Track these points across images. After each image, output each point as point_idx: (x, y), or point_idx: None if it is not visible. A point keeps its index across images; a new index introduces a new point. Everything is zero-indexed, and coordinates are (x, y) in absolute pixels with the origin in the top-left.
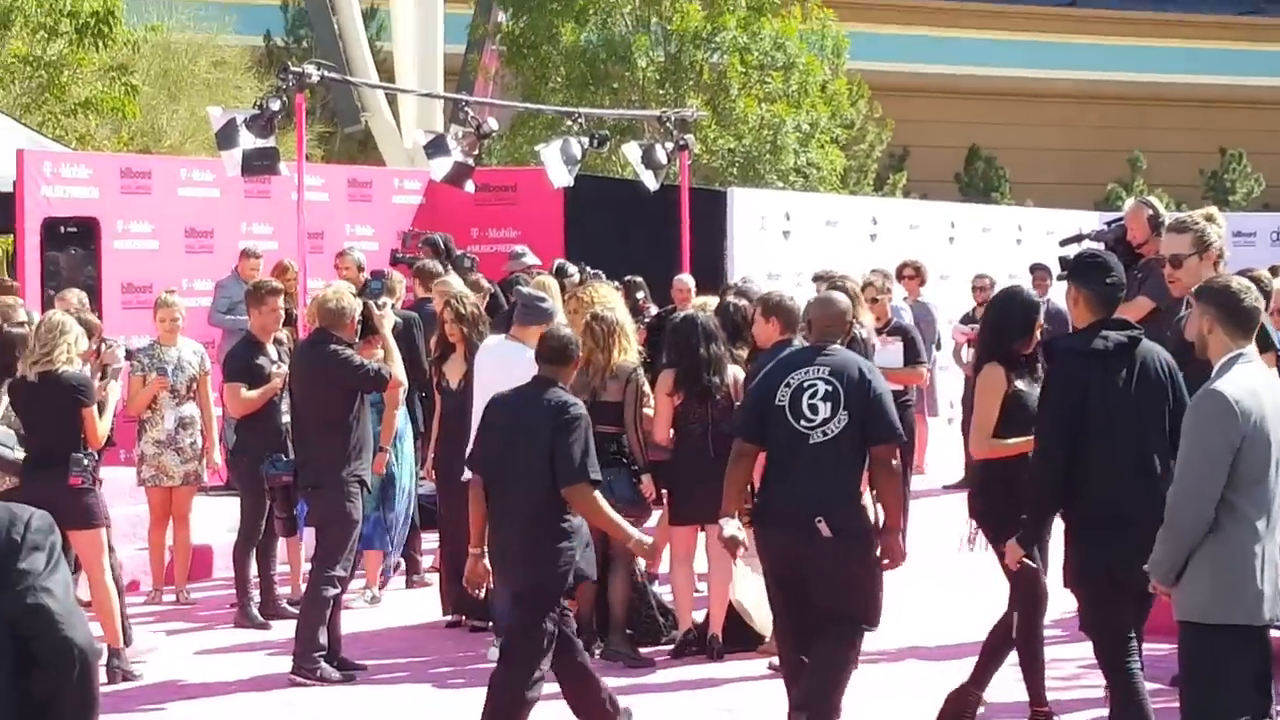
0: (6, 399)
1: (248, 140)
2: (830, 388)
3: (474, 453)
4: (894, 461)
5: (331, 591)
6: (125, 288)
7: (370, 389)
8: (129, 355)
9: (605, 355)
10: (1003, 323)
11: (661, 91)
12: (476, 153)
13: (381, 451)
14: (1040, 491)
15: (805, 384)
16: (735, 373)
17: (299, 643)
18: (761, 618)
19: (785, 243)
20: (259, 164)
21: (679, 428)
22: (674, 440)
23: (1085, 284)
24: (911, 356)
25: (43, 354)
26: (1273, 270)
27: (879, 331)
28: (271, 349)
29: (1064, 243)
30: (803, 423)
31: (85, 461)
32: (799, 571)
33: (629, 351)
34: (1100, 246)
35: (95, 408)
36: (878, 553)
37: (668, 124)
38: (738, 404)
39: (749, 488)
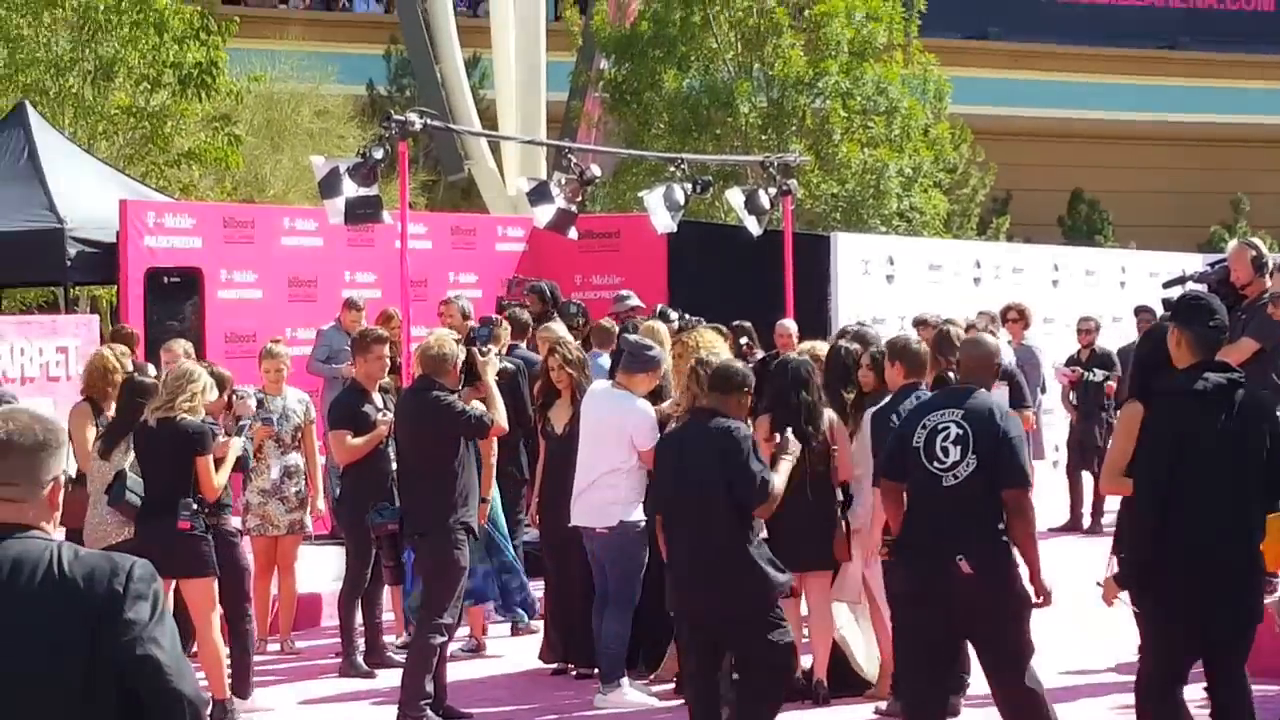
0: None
1: (351, 189)
2: (961, 431)
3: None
4: (1025, 505)
5: (439, 640)
6: (229, 337)
7: (473, 435)
8: (259, 405)
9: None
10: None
11: (764, 137)
12: (580, 199)
13: (484, 502)
14: (1138, 533)
15: (939, 426)
16: (831, 417)
17: (405, 691)
18: (868, 663)
19: (889, 287)
20: (362, 212)
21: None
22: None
23: (1188, 325)
24: (1017, 400)
25: (167, 400)
26: None
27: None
28: (377, 397)
29: (1167, 284)
30: (935, 464)
31: (195, 506)
32: (939, 607)
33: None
34: (1203, 288)
35: (212, 459)
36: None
37: (770, 169)
38: (835, 448)
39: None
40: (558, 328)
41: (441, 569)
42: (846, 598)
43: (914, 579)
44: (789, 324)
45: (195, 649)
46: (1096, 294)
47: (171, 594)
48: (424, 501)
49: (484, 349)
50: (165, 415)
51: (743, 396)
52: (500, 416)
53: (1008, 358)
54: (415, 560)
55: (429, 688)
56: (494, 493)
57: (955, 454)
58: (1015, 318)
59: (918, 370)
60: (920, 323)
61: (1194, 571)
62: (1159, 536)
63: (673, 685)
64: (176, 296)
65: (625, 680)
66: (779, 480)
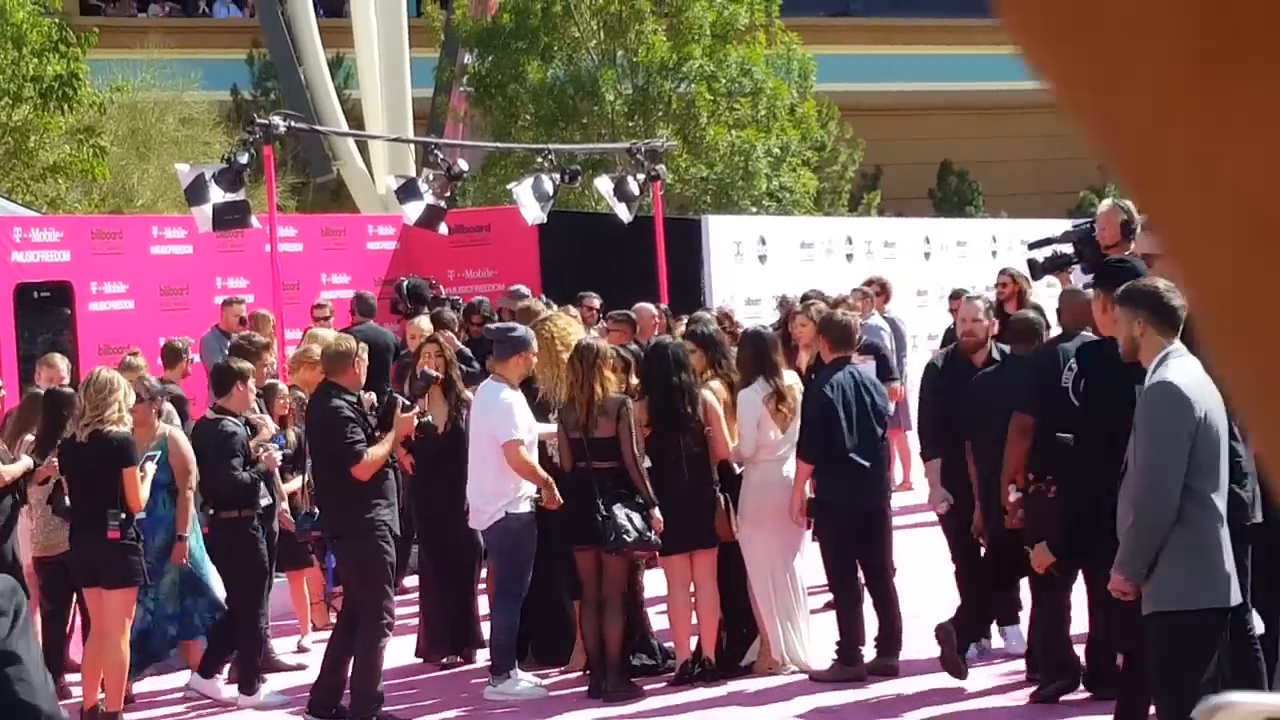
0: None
1: (218, 195)
2: None
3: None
4: None
5: (381, 640)
6: (103, 349)
7: (344, 461)
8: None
9: (589, 390)
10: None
11: (631, 124)
12: (449, 195)
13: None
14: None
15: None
16: (707, 398)
17: (355, 696)
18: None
19: (762, 267)
20: (230, 218)
21: (656, 457)
22: (652, 470)
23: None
24: (884, 373)
25: (94, 413)
26: None
27: None
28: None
29: (1032, 246)
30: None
31: (123, 515)
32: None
33: (613, 383)
34: (1069, 247)
35: (138, 470)
36: None
37: (638, 156)
38: (708, 429)
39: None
40: (426, 323)
41: (364, 571)
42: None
43: None
44: (649, 307)
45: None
46: (969, 265)
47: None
48: (337, 505)
49: (412, 403)
50: (96, 428)
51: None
52: (378, 454)
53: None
54: (337, 564)
55: (379, 689)
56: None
57: None
58: (877, 291)
59: (848, 344)
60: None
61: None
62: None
63: (584, 673)
64: (48, 310)
65: (516, 670)
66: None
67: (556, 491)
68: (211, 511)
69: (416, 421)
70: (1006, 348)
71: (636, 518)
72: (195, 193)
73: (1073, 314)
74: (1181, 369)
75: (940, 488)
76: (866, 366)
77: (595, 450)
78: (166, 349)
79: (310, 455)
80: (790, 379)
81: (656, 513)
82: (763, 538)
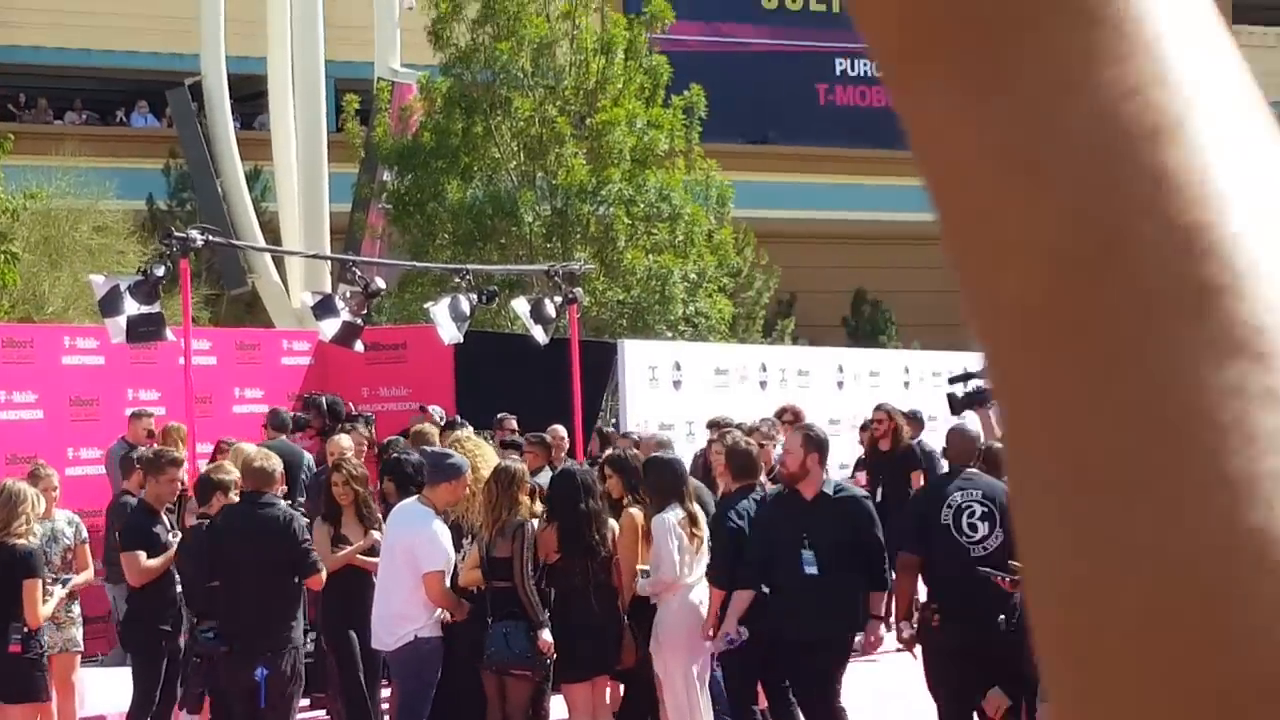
0: None
1: (132, 307)
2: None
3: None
4: None
5: None
6: (11, 458)
7: (302, 572)
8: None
9: (498, 512)
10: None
11: (549, 245)
12: (365, 312)
13: None
14: None
15: (963, 505)
16: (614, 526)
17: None
18: None
19: (676, 393)
20: (144, 331)
21: (562, 584)
22: (558, 597)
23: None
24: None
25: (1, 526)
26: None
27: (768, 477)
28: (165, 518)
29: (953, 380)
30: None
31: (25, 629)
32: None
33: (525, 506)
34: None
35: (40, 585)
36: None
37: (556, 278)
38: (614, 557)
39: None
40: (344, 441)
41: (284, 688)
42: None
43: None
44: (559, 429)
45: None
46: (881, 394)
47: None
48: (260, 619)
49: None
50: (0, 540)
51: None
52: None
53: None
54: (267, 678)
55: None
56: None
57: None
58: (790, 419)
59: (750, 472)
60: (714, 425)
61: None
62: None
63: None
64: None
65: None
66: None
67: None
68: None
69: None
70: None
71: (519, 637)
72: (109, 304)
73: (959, 452)
74: None
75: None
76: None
77: (494, 570)
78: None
79: (222, 567)
80: (695, 507)
81: (545, 635)
82: (678, 663)
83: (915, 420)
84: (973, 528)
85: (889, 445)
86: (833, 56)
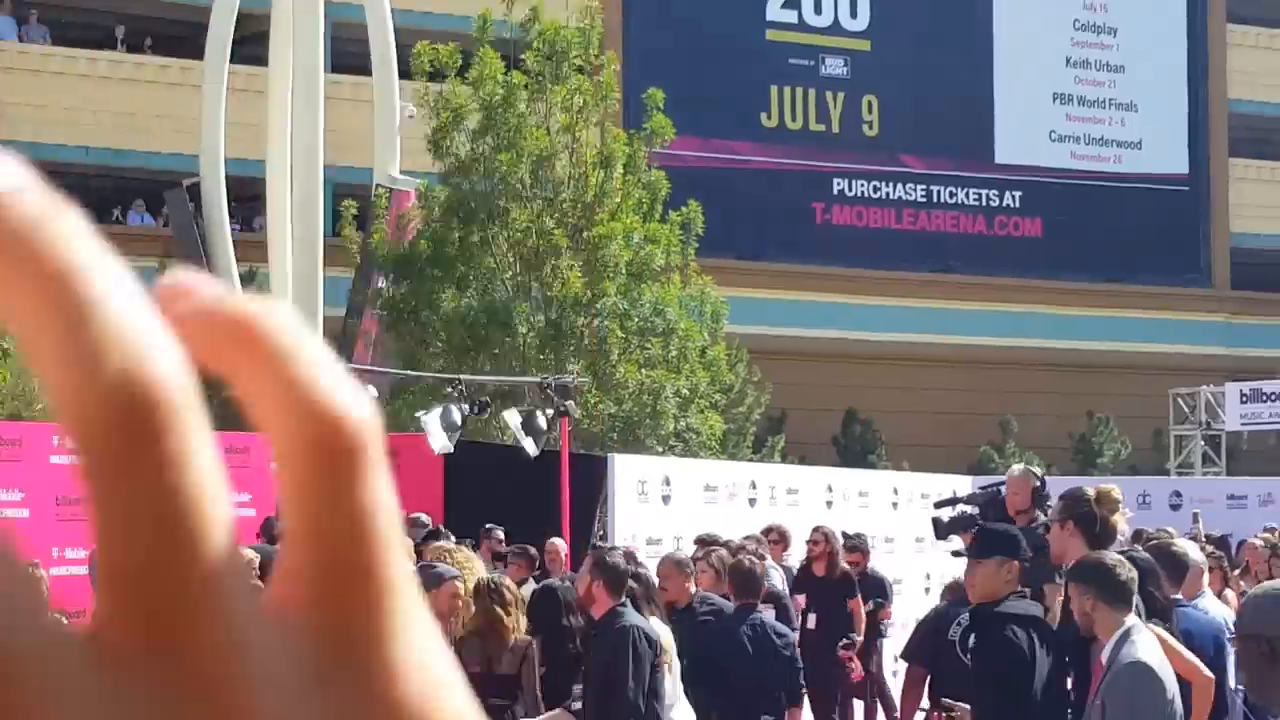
0: None
1: None
2: None
3: None
4: None
5: None
6: None
7: None
8: None
9: (490, 625)
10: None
11: (542, 357)
12: None
13: None
14: None
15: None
16: None
17: None
18: None
19: (665, 508)
20: None
21: (549, 700)
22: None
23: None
24: (783, 621)
25: None
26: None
27: None
28: None
29: (938, 504)
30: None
31: None
32: None
33: (513, 621)
34: (974, 509)
35: None
36: None
37: (548, 390)
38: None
39: None
40: None
41: None
42: None
43: None
44: (559, 543)
45: None
46: (869, 515)
47: None
48: None
49: None
50: None
51: None
52: None
53: (776, 580)
54: None
55: None
56: None
57: None
58: (776, 539)
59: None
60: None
61: None
62: None
63: None
64: None
65: None
66: None
67: None
68: None
69: None
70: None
71: None
72: None
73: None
74: (1149, 648)
75: None
76: (768, 614)
77: (495, 687)
78: None
79: None
80: (660, 627)
81: None
82: None
83: (858, 548)
84: None
85: (823, 569)
86: (831, 175)
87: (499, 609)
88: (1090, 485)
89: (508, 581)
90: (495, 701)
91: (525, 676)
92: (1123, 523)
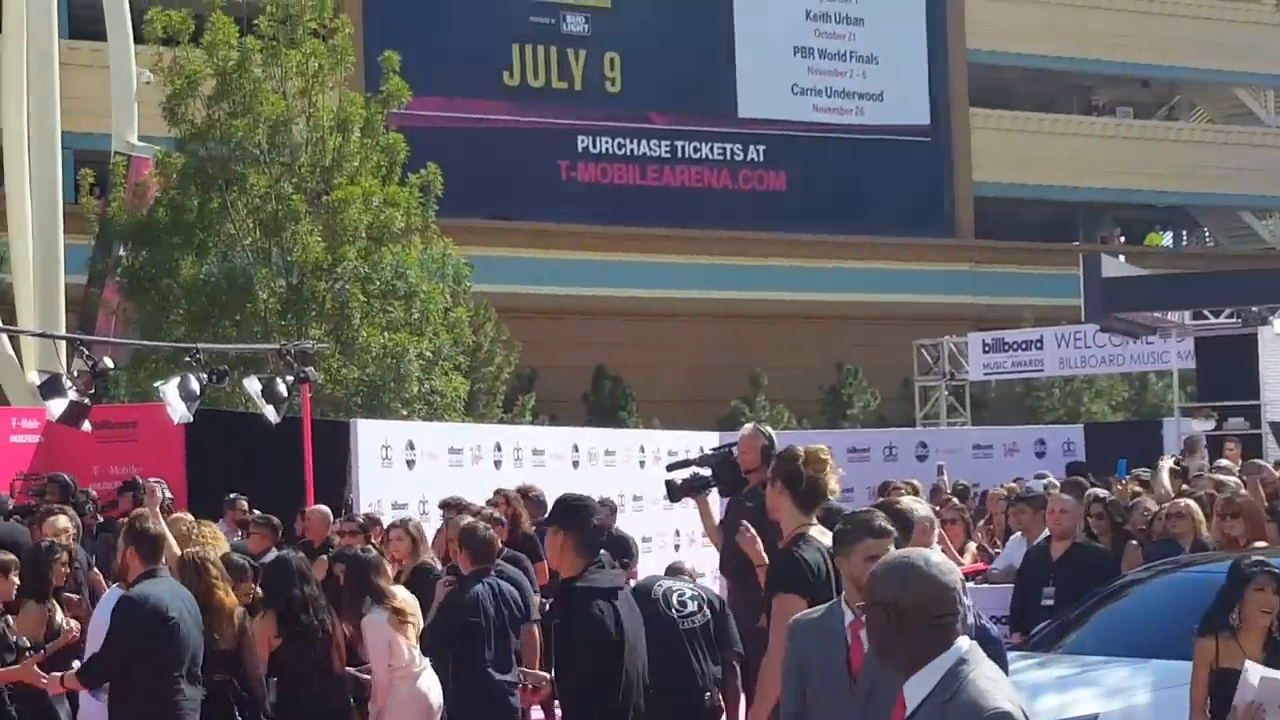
0: None
1: None
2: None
3: None
4: None
5: None
6: None
7: None
8: None
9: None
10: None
11: (284, 322)
12: (93, 391)
13: None
14: None
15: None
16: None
17: None
18: None
19: (410, 472)
20: None
21: (285, 669)
22: (283, 683)
23: (571, 528)
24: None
25: None
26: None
27: None
28: None
29: (670, 467)
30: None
31: None
32: None
33: (225, 593)
34: (706, 471)
35: None
36: None
37: (288, 357)
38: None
39: None
40: (64, 521)
41: None
42: None
43: None
44: (324, 510)
45: None
46: (617, 474)
47: None
48: None
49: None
50: None
51: None
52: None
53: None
54: None
55: None
56: None
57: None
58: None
59: (486, 556)
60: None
61: None
62: None
63: None
64: None
65: None
66: None
67: None
68: None
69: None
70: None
71: None
72: None
73: None
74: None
75: None
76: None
77: (218, 663)
78: None
79: None
80: (402, 594)
81: None
82: None
83: (537, 504)
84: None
85: (506, 534)
86: (575, 133)
87: (209, 581)
88: (823, 441)
89: (212, 554)
90: (218, 678)
91: (245, 650)
92: (834, 481)
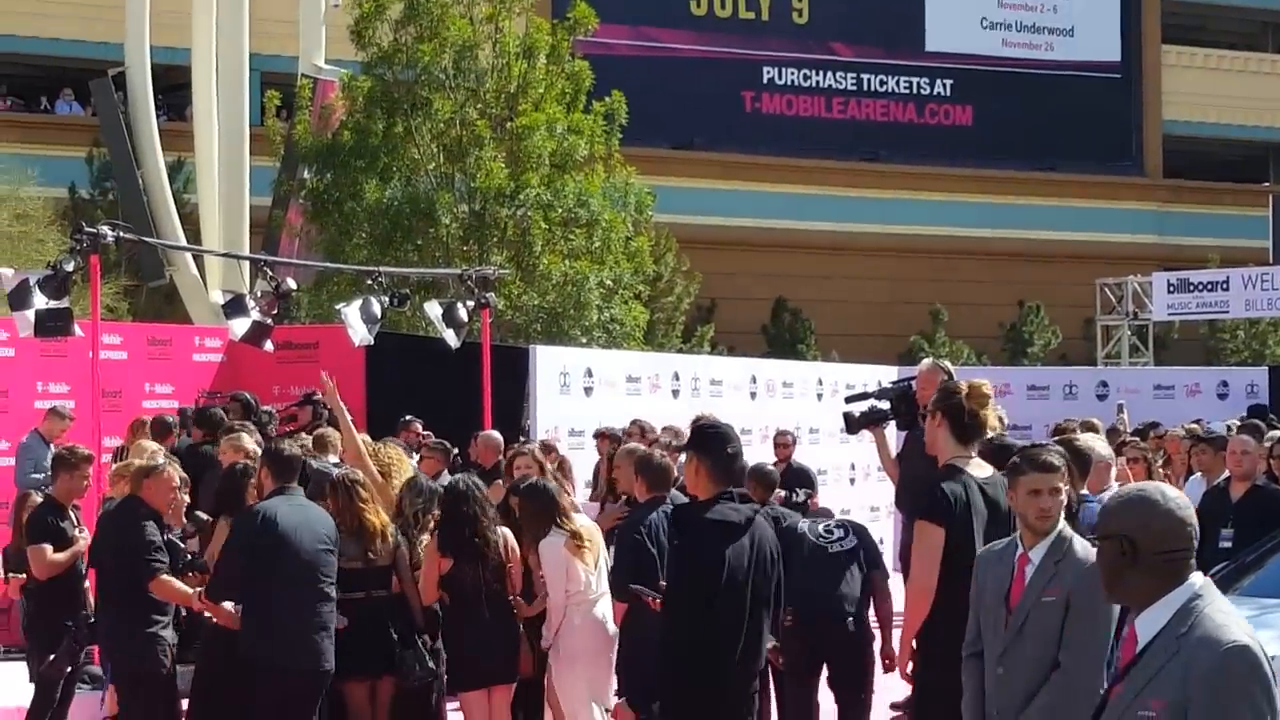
0: None
1: (40, 301)
2: None
3: None
4: None
5: None
6: None
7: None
8: None
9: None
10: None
11: (465, 248)
12: (275, 312)
13: None
14: (664, 656)
15: None
16: (506, 534)
17: None
18: None
19: (587, 399)
20: (52, 325)
21: (454, 591)
22: (450, 605)
23: (706, 454)
24: None
25: None
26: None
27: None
28: (71, 514)
29: (850, 399)
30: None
31: None
32: None
33: (378, 513)
34: (885, 404)
35: None
36: None
37: (469, 282)
38: (509, 565)
39: None
40: (247, 440)
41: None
42: None
43: None
44: (496, 436)
45: None
46: (794, 406)
47: None
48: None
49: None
50: None
51: None
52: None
53: None
54: (112, 674)
55: None
56: None
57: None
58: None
59: (663, 484)
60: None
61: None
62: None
63: None
64: None
65: None
66: None
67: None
68: None
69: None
70: None
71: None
72: (18, 298)
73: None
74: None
75: None
76: None
77: (375, 580)
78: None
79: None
80: (582, 520)
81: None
82: (577, 678)
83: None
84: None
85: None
86: (760, 64)
87: (358, 504)
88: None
89: (360, 475)
90: (375, 594)
91: (400, 568)
92: (993, 417)
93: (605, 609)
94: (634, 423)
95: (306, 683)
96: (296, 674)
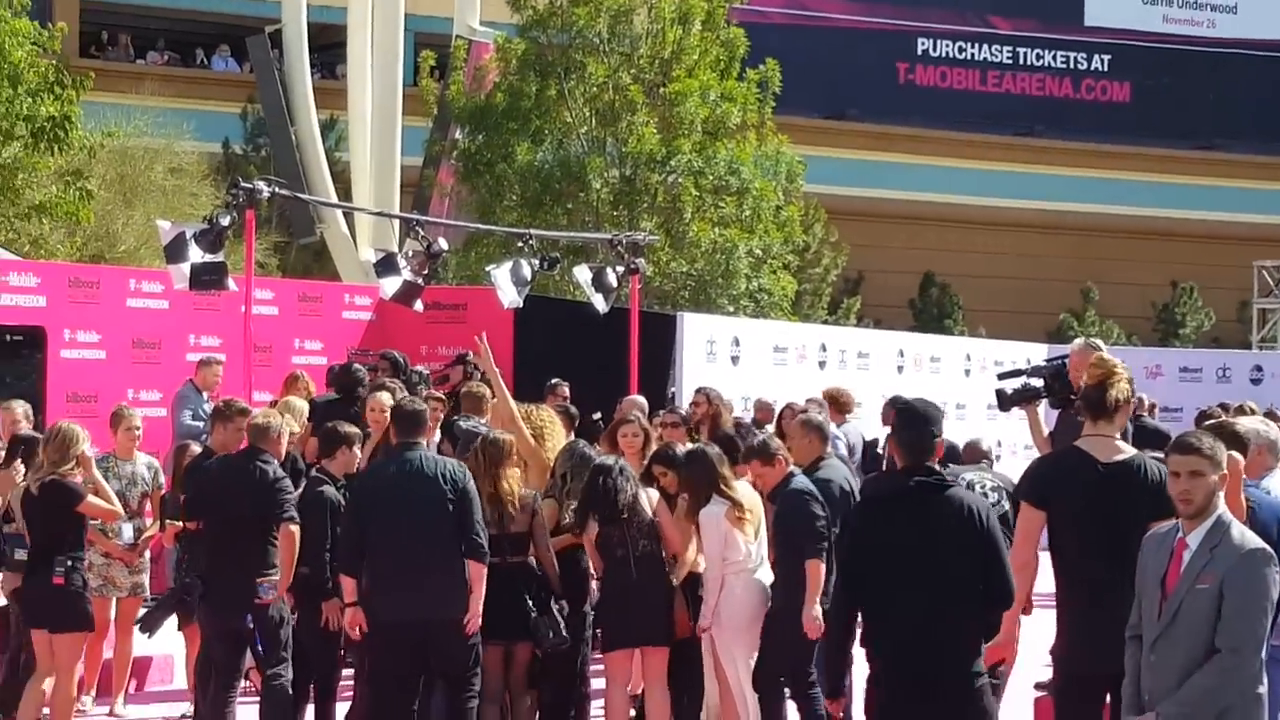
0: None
1: (196, 255)
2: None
3: None
4: None
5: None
6: (71, 397)
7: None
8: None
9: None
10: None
11: (615, 213)
12: (426, 272)
13: None
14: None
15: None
16: (653, 495)
17: None
18: None
19: (734, 368)
20: (207, 279)
21: (603, 552)
22: (599, 566)
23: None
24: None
25: (50, 467)
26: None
27: None
28: None
29: (1002, 376)
30: None
31: (69, 562)
32: None
33: (515, 479)
34: (1039, 382)
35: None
36: None
37: (619, 247)
38: (658, 520)
39: None
40: (385, 398)
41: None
42: None
43: None
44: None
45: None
46: (941, 380)
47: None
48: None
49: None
50: (49, 477)
51: None
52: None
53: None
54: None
55: None
56: None
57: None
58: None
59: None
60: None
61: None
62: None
63: None
64: (19, 354)
65: None
66: None
67: None
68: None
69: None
70: None
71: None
72: (174, 251)
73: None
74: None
75: None
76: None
77: (510, 546)
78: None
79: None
80: (744, 489)
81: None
82: (741, 646)
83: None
84: None
85: (710, 431)
86: (915, 36)
87: (495, 469)
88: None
89: (503, 439)
90: (512, 559)
91: (536, 533)
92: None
93: (765, 575)
94: (699, 391)
95: (401, 634)
96: (390, 626)
